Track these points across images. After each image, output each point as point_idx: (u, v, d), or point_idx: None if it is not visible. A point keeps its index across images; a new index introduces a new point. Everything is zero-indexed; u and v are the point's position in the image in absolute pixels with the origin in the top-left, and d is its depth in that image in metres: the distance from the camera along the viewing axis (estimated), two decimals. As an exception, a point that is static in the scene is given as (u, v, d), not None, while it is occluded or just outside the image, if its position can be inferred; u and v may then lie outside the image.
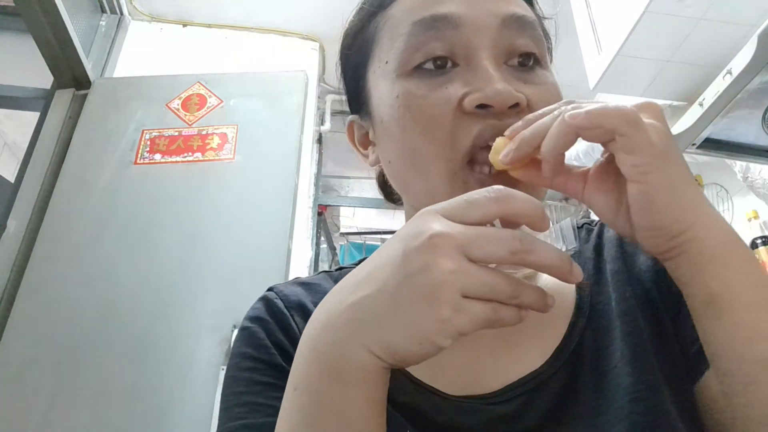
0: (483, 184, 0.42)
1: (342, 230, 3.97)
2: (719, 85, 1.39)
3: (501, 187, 0.33)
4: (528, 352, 0.45)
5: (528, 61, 0.46)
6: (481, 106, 0.42)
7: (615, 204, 0.37)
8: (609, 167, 0.37)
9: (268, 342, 0.47)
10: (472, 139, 0.42)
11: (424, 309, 0.30)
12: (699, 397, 0.42)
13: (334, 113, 2.62)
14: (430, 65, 0.45)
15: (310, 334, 0.36)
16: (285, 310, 0.50)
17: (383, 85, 0.47)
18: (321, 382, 0.34)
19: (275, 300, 0.51)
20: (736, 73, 1.32)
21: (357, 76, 0.53)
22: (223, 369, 1.43)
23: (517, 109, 0.42)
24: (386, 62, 0.47)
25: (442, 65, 0.44)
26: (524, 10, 0.47)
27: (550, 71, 0.48)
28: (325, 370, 0.34)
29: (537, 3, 0.54)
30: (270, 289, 0.53)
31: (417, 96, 0.44)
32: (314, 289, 0.53)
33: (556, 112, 0.36)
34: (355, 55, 0.53)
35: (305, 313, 0.50)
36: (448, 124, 0.43)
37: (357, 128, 0.55)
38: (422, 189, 0.46)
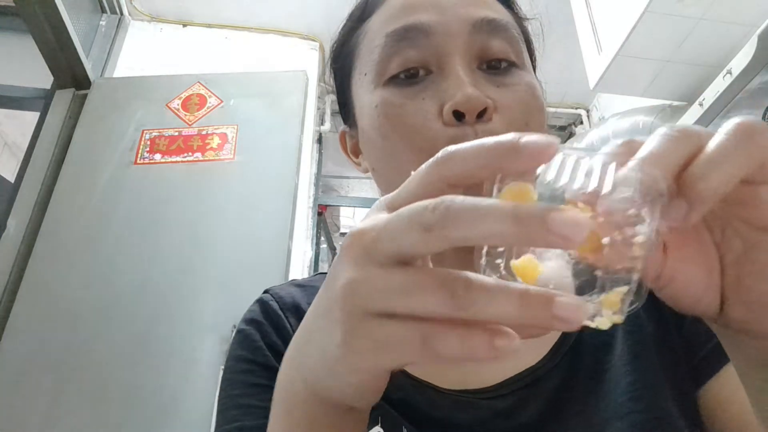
0: None
1: (342, 230, 3.97)
2: (719, 85, 1.39)
3: (450, 147, 0.24)
4: (525, 347, 0.45)
5: (500, 64, 0.46)
6: (456, 114, 0.42)
7: (705, 276, 0.27)
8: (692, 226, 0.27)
9: (263, 344, 0.48)
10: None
11: (325, 330, 0.25)
12: (703, 401, 0.42)
13: (334, 113, 2.62)
14: (403, 76, 0.45)
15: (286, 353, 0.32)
16: (280, 312, 0.51)
17: (364, 96, 0.49)
18: (276, 412, 0.31)
19: (271, 302, 0.52)
20: (736, 73, 1.32)
21: (343, 87, 0.54)
22: (222, 369, 1.43)
23: (485, 116, 0.42)
24: (365, 74, 0.49)
25: (415, 74, 0.45)
26: (496, 13, 0.48)
27: (528, 70, 0.48)
28: (278, 398, 0.31)
29: (516, 5, 0.54)
30: (266, 291, 0.54)
31: (394, 105, 0.45)
32: (310, 290, 0.54)
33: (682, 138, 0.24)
34: (340, 68, 0.55)
35: (300, 315, 0.50)
36: (427, 134, 0.43)
37: (348, 138, 0.57)
38: None
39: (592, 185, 0.22)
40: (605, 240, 0.22)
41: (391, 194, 0.26)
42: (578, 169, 0.23)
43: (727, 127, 0.24)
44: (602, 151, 0.26)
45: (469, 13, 0.46)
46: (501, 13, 0.48)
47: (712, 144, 0.23)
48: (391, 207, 0.25)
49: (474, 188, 0.23)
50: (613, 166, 0.23)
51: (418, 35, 0.45)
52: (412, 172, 0.25)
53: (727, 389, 0.40)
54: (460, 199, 0.21)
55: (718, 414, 0.40)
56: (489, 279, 0.21)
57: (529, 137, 0.21)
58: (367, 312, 0.23)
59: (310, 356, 0.26)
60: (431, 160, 0.24)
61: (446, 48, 0.45)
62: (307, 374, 0.27)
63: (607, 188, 0.22)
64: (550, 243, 0.19)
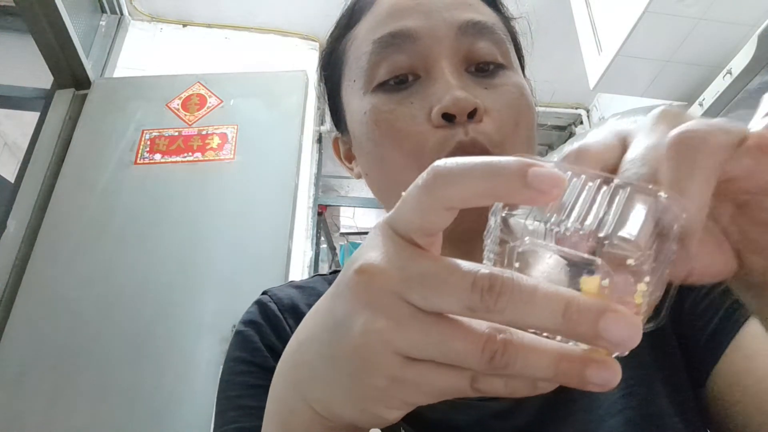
0: None
1: (342, 230, 3.97)
2: (719, 85, 1.39)
3: (439, 162, 0.22)
4: None
5: (488, 66, 0.46)
6: (446, 117, 0.43)
7: (718, 250, 0.27)
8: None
9: (261, 345, 0.48)
10: (444, 151, 0.42)
11: (356, 372, 0.23)
12: (717, 382, 0.42)
13: (334, 113, 2.62)
14: (392, 82, 0.46)
15: (277, 369, 0.31)
16: (278, 313, 0.51)
17: (354, 103, 0.49)
18: (271, 428, 0.31)
19: (269, 303, 0.52)
20: (736, 73, 1.32)
21: (333, 94, 0.55)
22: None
23: (476, 117, 0.43)
24: (354, 81, 0.49)
25: (403, 80, 0.46)
26: (482, 15, 0.48)
27: (516, 71, 0.49)
28: (274, 414, 0.30)
29: (502, 5, 0.54)
30: (264, 293, 0.54)
31: (383, 111, 0.45)
32: (308, 291, 0.54)
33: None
34: (329, 75, 0.55)
35: (298, 316, 0.50)
36: (417, 137, 0.44)
37: (341, 143, 0.57)
38: (396, 199, 0.46)
39: (598, 226, 0.21)
40: (605, 282, 0.21)
41: (391, 216, 0.24)
42: (584, 205, 0.21)
43: (668, 145, 0.23)
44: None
45: (454, 17, 0.46)
46: (487, 15, 0.49)
47: (668, 173, 0.22)
48: (398, 232, 0.23)
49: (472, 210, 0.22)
50: (625, 196, 0.21)
51: (405, 41, 0.45)
52: (403, 194, 0.23)
53: (742, 360, 0.40)
54: (509, 289, 0.20)
55: (736, 388, 0.40)
56: (526, 337, 0.21)
57: (538, 171, 0.20)
58: (407, 356, 0.22)
59: (328, 390, 0.25)
60: (423, 178, 0.22)
61: (433, 52, 0.45)
62: (318, 404, 0.26)
63: (616, 230, 0.20)
64: (597, 345, 0.20)
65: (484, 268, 0.21)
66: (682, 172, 0.22)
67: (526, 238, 0.22)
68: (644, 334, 0.46)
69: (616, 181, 0.21)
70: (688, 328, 0.45)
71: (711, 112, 1.44)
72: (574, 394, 0.42)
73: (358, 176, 0.54)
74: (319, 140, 2.66)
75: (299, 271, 1.99)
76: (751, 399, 0.39)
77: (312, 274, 1.48)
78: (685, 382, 0.43)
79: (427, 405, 0.42)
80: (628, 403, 0.40)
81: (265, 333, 0.49)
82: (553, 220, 0.21)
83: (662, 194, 0.21)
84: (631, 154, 0.24)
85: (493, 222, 0.22)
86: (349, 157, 0.56)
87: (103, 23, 2.27)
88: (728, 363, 0.41)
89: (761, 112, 0.23)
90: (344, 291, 0.23)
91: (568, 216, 0.21)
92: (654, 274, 0.21)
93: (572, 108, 2.88)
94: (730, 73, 1.34)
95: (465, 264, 0.21)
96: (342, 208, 3.81)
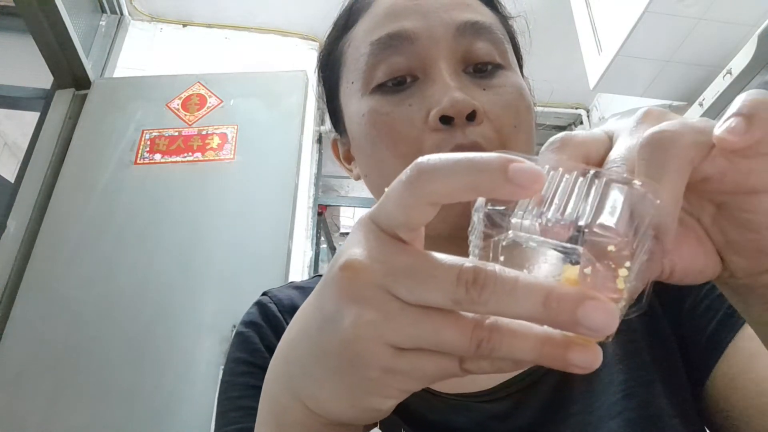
0: None
1: (342, 230, 3.96)
2: (719, 85, 1.39)
3: (423, 159, 0.22)
4: None
5: (486, 66, 0.46)
6: (444, 119, 0.42)
7: (698, 247, 0.26)
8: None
9: (262, 346, 0.48)
10: (437, 151, 0.42)
11: (347, 366, 0.23)
12: (717, 380, 0.42)
13: (334, 113, 2.62)
14: (390, 84, 0.46)
15: (269, 367, 0.31)
16: (279, 314, 0.51)
17: (352, 104, 0.49)
18: (265, 426, 0.31)
19: (269, 304, 0.52)
20: (736, 73, 1.32)
21: (332, 96, 0.55)
22: (222, 370, 1.43)
23: (476, 120, 0.43)
24: (352, 82, 0.49)
25: (401, 82, 0.46)
26: (480, 15, 0.48)
27: (514, 71, 0.48)
28: (269, 412, 0.30)
29: (500, 4, 0.54)
30: (264, 294, 0.54)
31: (381, 113, 0.45)
32: (308, 292, 0.54)
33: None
34: (328, 76, 0.55)
35: None
36: (414, 140, 0.44)
37: (340, 145, 0.57)
38: None
39: (578, 215, 0.21)
40: (587, 270, 0.21)
41: (374, 211, 0.24)
42: (563, 196, 0.22)
43: (640, 144, 0.23)
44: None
45: (452, 17, 0.46)
46: (484, 15, 0.48)
47: (639, 172, 0.23)
48: (380, 227, 0.23)
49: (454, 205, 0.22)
50: (601, 186, 0.22)
51: (403, 42, 0.45)
52: (386, 189, 0.23)
53: (742, 360, 0.40)
54: (492, 281, 0.20)
55: (736, 389, 0.40)
56: (511, 323, 0.21)
57: (518, 166, 0.20)
58: (396, 346, 0.22)
59: (318, 386, 0.25)
60: (407, 174, 0.22)
61: (431, 53, 0.45)
62: (309, 400, 0.26)
63: (598, 219, 0.21)
64: (577, 332, 0.20)
65: (468, 261, 0.21)
66: (652, 172, 0.23)
67: (510, 232, 0.22)
68: (644, 335, 0.46)
69: (592, 171, 0.22)
70: (688, 328, 0.45)
71: (711, 112, 1.44)
72: (573, 395, 0.42)
73: (357, 177, 0.54)
74: (319, 140, 2.66)
75: (299, 271, 1.99)
76: (751, 400, 0.39)
77: (312, 275, 1.47)
78: (685, 382, 0.43)
79: (427, 406, 0.42)
80: (628, 405, 0.40)
81: (265, 334, 0.49)
82: (534, 212, 0.22)
83: (637, 182, 0.22)
84: (612, 155, 0.25)
85: (477, 218, 0.23)
86: (348, 159, 0.56)
87: (103, 23, 2.27)
88: (728, 363, 0.41)
89: (727, 115, 0.23)
90: (330, 287, 0.24)
91: (549, 208, 0.22)
92: (634, 260, 0.21)
93: (572, 108, 2.88)
94: (730, 73, 1.34)
95: (449, 258, 0.22)
96: (342, 208, 3.81)
